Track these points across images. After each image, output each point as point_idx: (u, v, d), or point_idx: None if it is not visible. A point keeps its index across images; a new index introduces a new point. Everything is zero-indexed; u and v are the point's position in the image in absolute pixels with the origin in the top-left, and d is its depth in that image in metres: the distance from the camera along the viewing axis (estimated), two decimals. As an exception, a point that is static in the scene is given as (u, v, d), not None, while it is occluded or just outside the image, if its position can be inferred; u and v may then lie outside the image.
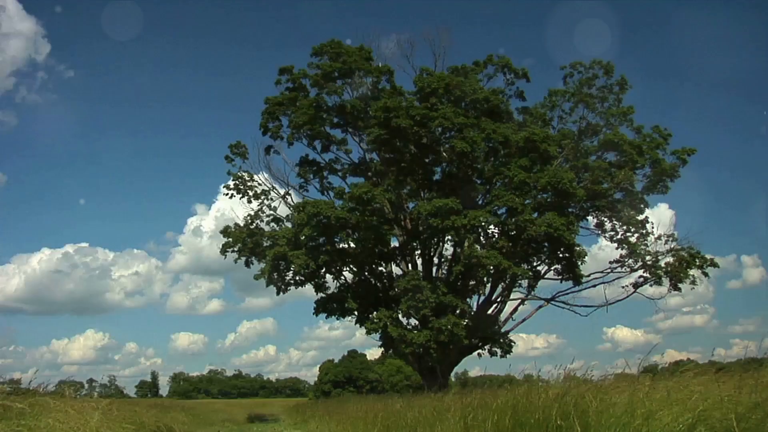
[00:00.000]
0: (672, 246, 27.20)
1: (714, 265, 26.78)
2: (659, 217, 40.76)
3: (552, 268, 27.45)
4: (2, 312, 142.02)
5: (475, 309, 27.28)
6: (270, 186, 29.78)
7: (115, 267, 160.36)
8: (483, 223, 24.60)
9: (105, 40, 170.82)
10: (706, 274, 26.89)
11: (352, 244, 27.31)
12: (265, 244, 28.17)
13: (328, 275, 27.84)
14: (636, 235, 27.77)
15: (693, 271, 26.44)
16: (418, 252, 28.49)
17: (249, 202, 29.52)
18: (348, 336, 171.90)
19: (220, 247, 29.22)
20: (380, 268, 28.81)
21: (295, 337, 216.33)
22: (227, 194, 29.79)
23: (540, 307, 28.66)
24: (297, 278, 27.61)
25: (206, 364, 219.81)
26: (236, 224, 29.53)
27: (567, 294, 28.08)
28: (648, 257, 27.22)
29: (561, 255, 26.08)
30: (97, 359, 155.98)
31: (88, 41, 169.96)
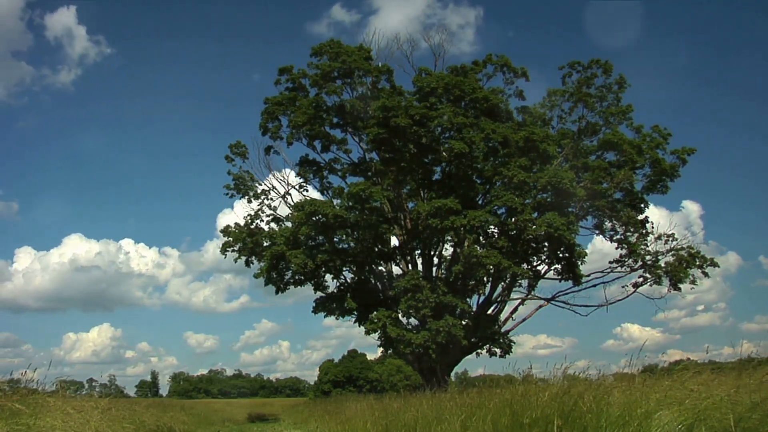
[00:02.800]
0: (672, 246, 27.20)
1: (714, 264, 26.78)
2: (687, 214, 40.73)
3: (552, 267, 27.45)
4: (23, 309, 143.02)
5: (475, 309, 27.28)
6: (270, 186, 29.85)
7: (142, 263, 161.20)
8: (482, 223, 24.58)
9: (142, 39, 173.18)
10: (706, 274, 26.90)
11: (352, 244, 27.31)
12: (264, 243, 28.18)
13: (327, 275, 27.84)
14: (636, 234, 27.77)
15: (692, 271, 26.45)
16: (418, 252, 28.49)
17: (249, 202, 29.57)
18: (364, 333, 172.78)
19: (220, 246, 29.32)
20: (380, 268, 28.81)
21: (314, 335, 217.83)
22: (227, 194, 29.85)
23: (540, 306, 28.70)
24: (296, 277, 27.62)
25: (219, 363, 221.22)
26: (236, 224, 29.59)
27: (567, 294, 28.14)
28: (648, 257, 27.22)
29: (561, 255, 26.08)
30: (112, 357, 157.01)
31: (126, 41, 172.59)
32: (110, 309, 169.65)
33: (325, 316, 28.01)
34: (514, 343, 27.35)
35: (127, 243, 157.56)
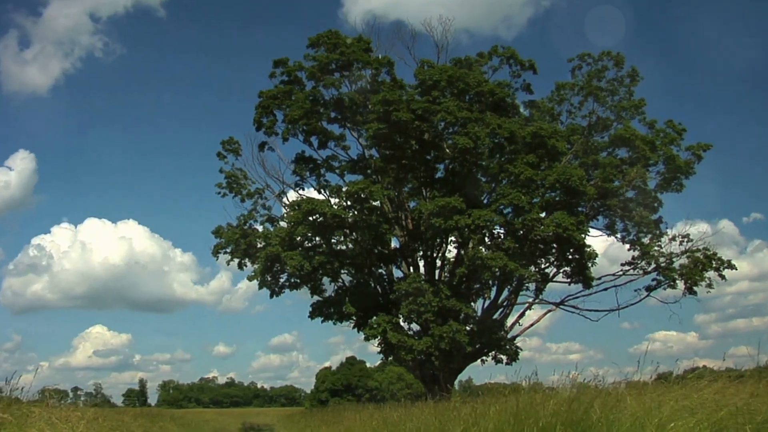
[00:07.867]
0: (687, 247, 27.19)
1: (731, 266, 26.79)
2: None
3: (561, 270, 27.45)
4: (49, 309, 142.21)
5: (479, 314, 27.30)
6: (264, 184, 29.84)
7: (179, 263, 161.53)
8: (488, 223, 24.57)
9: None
10: (722, 277, 26.88)
11: (350, 245, 27.30)
12: (258, 245, 28.18)
13: (324, 277, 27.82)
14: (649, 236, 27.77)
15: (708, 273, 26.45)
16: (420, 253, 28.49)
17: (242, 201, 29.57)
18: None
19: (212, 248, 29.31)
20: (380, 270, 28.82)
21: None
22: (219, 193, 29.82)
23: (549, 311, 28.78)
24: (292, 280, 27.63)
25: (230, 371, 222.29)
26: (229, 224, 29.57)
27: (577, 297, 28.12)
28: (662, 259, 27.21)
29: (570, 256, 26.07)
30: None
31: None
32: (159, 310, 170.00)
33: (322, 321, 28.03)
34: (521, 349, 27.39)
35: (168, 245, 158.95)
